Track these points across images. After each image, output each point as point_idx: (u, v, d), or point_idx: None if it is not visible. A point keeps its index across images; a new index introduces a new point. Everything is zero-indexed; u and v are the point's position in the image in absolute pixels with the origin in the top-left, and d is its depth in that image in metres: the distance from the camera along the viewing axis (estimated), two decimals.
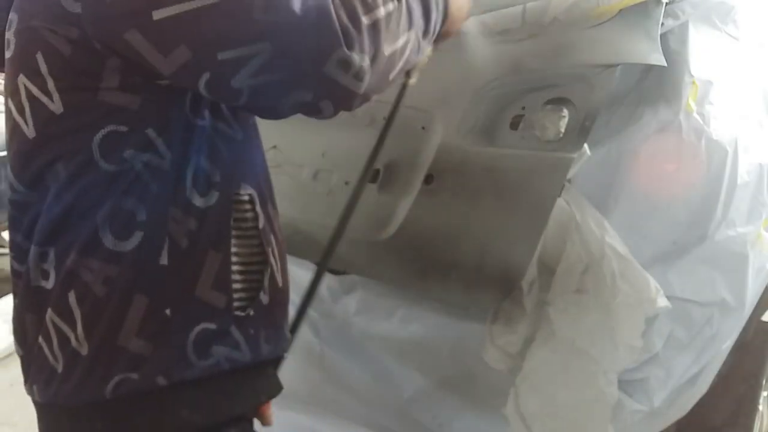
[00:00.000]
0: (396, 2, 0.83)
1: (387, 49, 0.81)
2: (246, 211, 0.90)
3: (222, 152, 0.87)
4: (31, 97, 0.80)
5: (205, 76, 0.76)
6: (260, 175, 0.96)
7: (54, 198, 0.81)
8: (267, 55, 0.74)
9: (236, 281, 0.88)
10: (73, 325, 0.81)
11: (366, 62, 0.78)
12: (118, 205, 0.80)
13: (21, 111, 0.82)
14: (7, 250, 2.25)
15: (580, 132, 1.26)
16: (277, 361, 0.99)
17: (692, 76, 1.44)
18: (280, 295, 0.96)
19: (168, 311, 0.82)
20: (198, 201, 0.84)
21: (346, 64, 0.76)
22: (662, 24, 1.34)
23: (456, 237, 1.35)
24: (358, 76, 0.78)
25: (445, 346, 1.58)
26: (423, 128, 1.46)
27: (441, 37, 1.01)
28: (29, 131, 0.81)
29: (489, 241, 1.31)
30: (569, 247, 1.32)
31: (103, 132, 0.79)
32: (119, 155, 0.79)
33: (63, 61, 0.78)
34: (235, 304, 0.87)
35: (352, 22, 0.77)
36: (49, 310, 0.82)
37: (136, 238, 0.80)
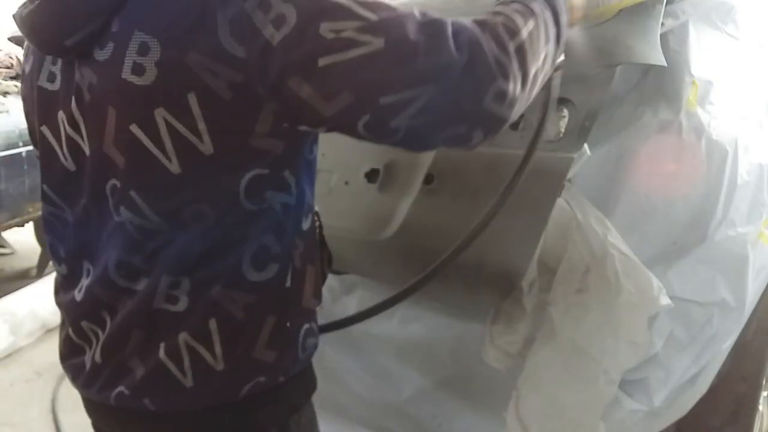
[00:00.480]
0: (534, 19, 0.84)
1: (532, 69, 0.83)
2: (317, 222, 1.01)
3: (312, 175, 0.95)
4: (174, 133, 0.79)
5: (365, 119, 0.78)
6: None
7: (200, 235, 0.84)
8: (427, 97, 0.76)
9: (321, 284, 1.00)
10: (210, 348, 0.87)
11: (518, 88, 0.80)
12: (259, 242, 0.86)
13: (158, 143, 0.80)
14: (6, 250, 2.20)
15: (580, 132, 1.26)
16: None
17: (692, 76, 1.44)
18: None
19: (288, 324, 0.92)
20: (305, 225, 0.93)
21: (502, 95, 0.79)
22: (662, 24, 1.34)
23: (456, 237, 1.35)
24: (512, 103, 0.81)
25: (445, 346, 1.58)
26: None
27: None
28: (173, 167, 0.81)
29: (489, 241, 1.31)
30: (571, 248, 1.32)
31: (249, 175, 0.82)
32: (261, 196, 0.84)
33: (221, 105, 0.78)
34: (320, 302, 0.99)
35: (502, 52, 0.78)
36: (184, 334, 0.87)
37: (273, 269, 0.88)
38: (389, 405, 1.72)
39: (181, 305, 0.86)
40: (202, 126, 0.78)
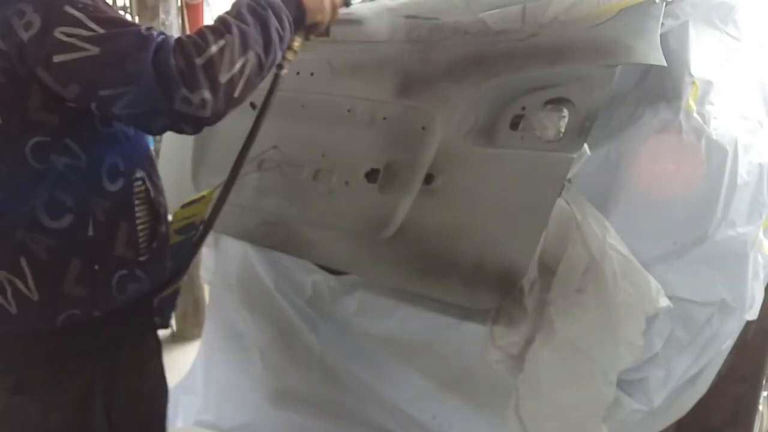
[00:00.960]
0: (227, 36, 1.07)
1: (224, 77, 1.06)
2: (141, 188, 1.22)
3: (124, 147, 1.19)
4: None
5: (93, 104, 1.05)
6: (146, 158, 1.27)
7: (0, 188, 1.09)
8: (132, 95, 1.01)
9: (140, 239, 1.22)
10: (25, 281, 1.11)
11: (206, 94, 1.04)
12: (49, 195, 1.10)
13: None
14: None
15: (580, 132, 1.26)
16: (166, 284, 1.35)
17: (692, 76, 1.44)
18: (165, 240, 1.31)
19: (97, 267, 1.16)
20: (110, 187, 1.16)
21: (187, 100, 1.03)
22: (662, 24, 1.34)
23: (456, 237, 1.35)
24: (202, 105, 1.04)
25: (446, 346, 1.58)
26: (423, 128, 1.46)
27: (313, 29, 1.32)
28: None
29: (489, 241, 1.31)
30: (570, 247, 1.32)
31: (33, 141, 1.07)
32: (46, 158, 1.09)
33: (1, 87, 1.05)
34: (140, 254, 1.22)
35: (188, 66, 1.02)
36: (3, 271, 1.11)
37: (68, 219, 1.12)
38: (389, 405, 1.72)
39: None
40: None
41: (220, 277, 2.07)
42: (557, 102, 1.32)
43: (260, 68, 1.14)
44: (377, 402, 1.75)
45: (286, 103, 1.74)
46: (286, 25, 1.19)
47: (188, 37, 1.07)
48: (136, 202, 1.21)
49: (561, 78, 1.32)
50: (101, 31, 1.01)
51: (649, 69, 1.47)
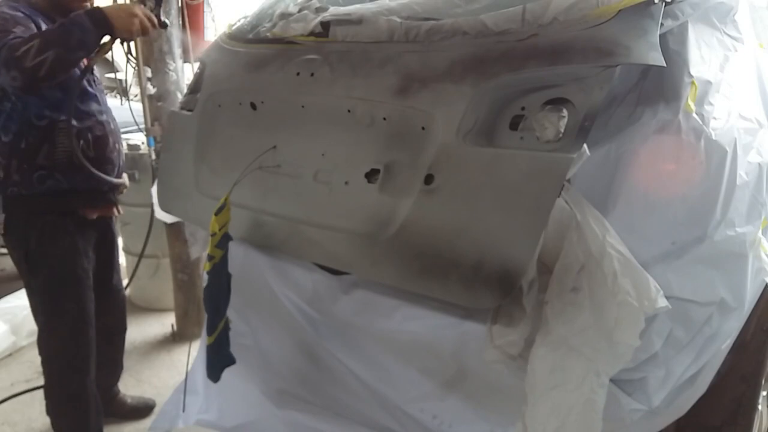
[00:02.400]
0: (37, 40, 1.83)
1: (29, 65, 1.81)
2: (63, 126, 2.06)
3: (49, 101, 2.05)
4: None
5: None
6: (76, 109, 2.10)
7: None
8: None
9: (58, 153, 2.08)
10: None
11: (13, 73, 1.83)
12: (2, 123, 2.05)
13: None
14: (6, 251, 2.41)
15: (580, 132, 1.27)
16: (97, 190, 2.22)
17: (691, 76, 1.45)
18: (97, 160, 2.16)
19: (25, 165, 2.06)
20: (37, 122, 2.05)
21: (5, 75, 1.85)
22: (662, 24, 1.35)
23: (456, 237, 1.35)
24: (15, 80, 1.84)
25: (446, 346, 1.58)
26: (423, 128, 1.46)
27: (119, 35, 2.02)
28: None
29: (489, 241, 1.31)
30: (567, 246, 1.33)
31: None
32: (2, 104, 2.03)
33: None
34: (57, 163, 2.08)
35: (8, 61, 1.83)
36: None
37: (9, 136, 2.05)
38: (390, 404, 1.72)
39: None
40: None
41: None
42: (557, 102, 1.32)
43: (63, 60, 1.86)
44: (378, 401, 1.75)
45: (287, 103, 1.74)
46: (90, 37, 1.91)
47: (19, 38, 1.84)
48: (59, 134, 2.06)
49: (560, 78, 1.33)
50: None
51: (648, 69, 1.47)
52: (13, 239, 2.16)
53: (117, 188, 2.28)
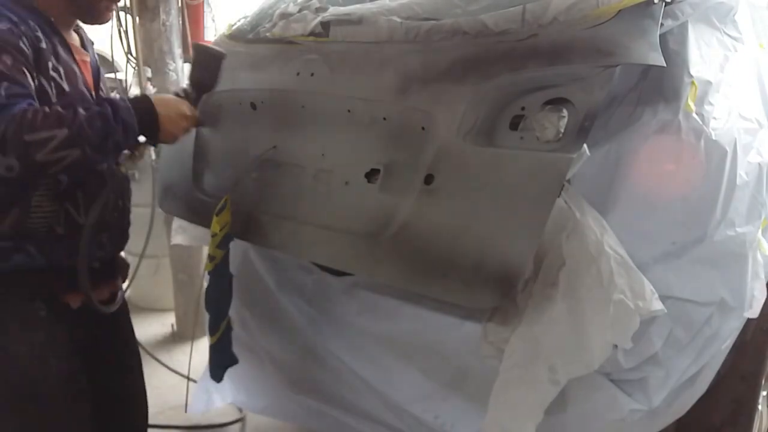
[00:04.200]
0: (66, 130, 1.25)
1: (40, 158, 1.23)
2: (43, 182, 1.41)
3: None
4: None
5: None
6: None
7: None
8: None
9: (33, 220, 1.41)
10: None
11: (10, 161, 1.22)
12: None
13: None
14: None
15: (580, 132, 1.27)
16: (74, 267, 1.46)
17: (691, 76, 1.44)
18: (78, 230, 1.46)
19: None
20: (5, 173, 1.24)
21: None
22: (662, 24, 1.35)
23: (456, 237, 1.35)
24: (10, 170, 1.23)
25: (447, 346, 1.58)
26: (423, 128, 1.46)
27: (162, 140, 1.47)
28: None
29: (489, 241, 1.31)
30: (557, 244, 1.33)
31: None
32: None
33: None
34: (30, 231, 1.41)
35: (12, 136, 1.21)
36: None
37: None
38: (392, 404, 1.73)
39: None
40: None
41: None
42: (557, 102, 1.32)
43: (84, 162, 1.30)
44: (381, 401, 1.76)
45: (287, 103, 1.74)
46: (130, 141, 1.38)
47: (34, 111, 1.23)
48: (37, 192, 1.42)
49: (560, 78, 1.33)
50: None
51: (648, 69, 1.47)
52: None
53: (117, 263, 1.68)
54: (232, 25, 2.13)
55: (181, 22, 3.22)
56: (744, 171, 1.46)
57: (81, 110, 1.28)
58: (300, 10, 1.88)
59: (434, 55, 1.51)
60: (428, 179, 1.42)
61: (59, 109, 1.27)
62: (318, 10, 1.84)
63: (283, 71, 1.76)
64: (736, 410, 1.76)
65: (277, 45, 1.86)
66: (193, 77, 1.58)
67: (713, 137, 1.41)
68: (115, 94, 1.48)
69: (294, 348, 1.93)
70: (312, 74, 1.69)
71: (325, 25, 1.77)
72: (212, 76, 1.58)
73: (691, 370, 1.44)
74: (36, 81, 1.34)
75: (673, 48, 1.45)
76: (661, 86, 1.45)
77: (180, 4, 3.20)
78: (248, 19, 2.09)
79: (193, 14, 3.51)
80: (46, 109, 1.25)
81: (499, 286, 1.28)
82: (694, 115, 1.42)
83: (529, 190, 1.28)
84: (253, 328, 2.05)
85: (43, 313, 1.47)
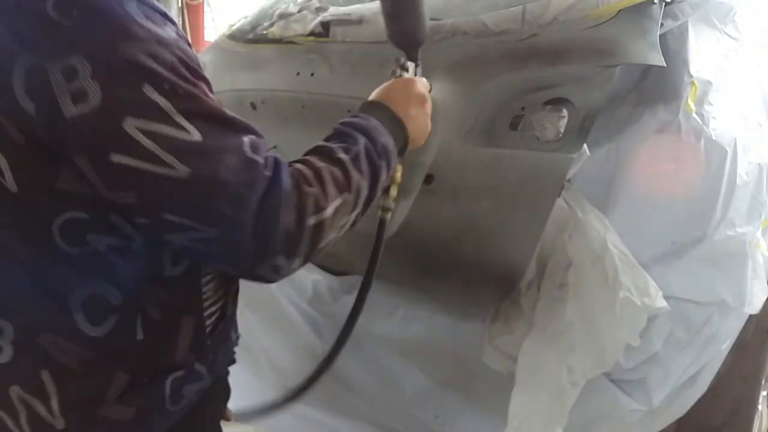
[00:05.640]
0: (346, 194, 0.83)
1: (324, 242, 0.81)
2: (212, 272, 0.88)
3: None
4: None
5: (142, 219, 0.74)
6: None
7: (15, 275, 0.77)
8: (210, 237, 0.72)
9: (206, 331, 0.89)
10: (46, 402, 0.79)
11: (299, 262, 0.78)
12: (90, 289, 0.77)
13: None
14: None
15: (580, 132, 1.27)
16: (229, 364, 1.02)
17: (691, 76, 1.45)
18: (233, 315, 0.98)
19: (146, 380, 0.83)
20: (170, 271, 0.82)
21: (276, 269, 0.76)
22: (662, 24, 1.35)
23: (456, 237, 1.35)
24: (286, 274, 0.79)
25: (447, 346, 1.58)
26: None
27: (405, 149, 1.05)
28: None
29: (489, 241, 1.31)
30: (560, 244, 1.33)
31: (64, 216, 0.74)
32: (82, 239, 0.75)
33: (16, 146, 0.71)
34: (205, 351, 0.89)
35: (297, 228, 0.75)
36: (16, 387, 0.79)
37: (111, 321, 0.79)
38: (391, 404, 1.72)
39: (7, 355, 0.79)
40: (3, 163, 0.72)
41: None
42: (557, 102, 1.32)
43: (358, 221, 0.93)
44: (380, 401, 1.75)
45: (287, 103, 1.74)
46: (393, 161, 0.97)
47: (308, 181, 0.78)
48: (205, 282, 0.87)
49: (560, 78, 1.33)
50: (194, 137, 0.70)
51: (648, 69, 1.47)
52: None
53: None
54: (232, 25, 2.13)
55: (181, 22, 3.23)
56: (744, 171, 1.46)
57: (345, 161, 0.85)
58: (300, 10, 1.88)
59: (434, 55, 1.51)
60: (428, 179, 1.42)
61: (329, 170, 0.83)
62: (318, 10, 1.84)
63: (283, 71, 1.76)
64: (736, 410, 1.76)
65: (277, 45, 1.86)
66: (395, 32, 1.14)
67: (713, 137, 1.42)
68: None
69: (294, 349, 1.92)
70: (312, 74, 1.69)
71: (325, 25, 1.77)
72: (415, 21, 1.12)
73: (691, 370, 1.44)
74: None
75: (673, 48, 1.45)
76: (661, 86, 1.45)
77: (180, 4, 3.20)
78: (248, 19, 2.09)
79: (193, 14, 3.52)
80: (315, 174, 0.80)
81: (500, 286, 1.29)
82: (694, 115, 1.42)
83: (529, 190, 1.28)
84: (252, 327, 2.05)
85: None
